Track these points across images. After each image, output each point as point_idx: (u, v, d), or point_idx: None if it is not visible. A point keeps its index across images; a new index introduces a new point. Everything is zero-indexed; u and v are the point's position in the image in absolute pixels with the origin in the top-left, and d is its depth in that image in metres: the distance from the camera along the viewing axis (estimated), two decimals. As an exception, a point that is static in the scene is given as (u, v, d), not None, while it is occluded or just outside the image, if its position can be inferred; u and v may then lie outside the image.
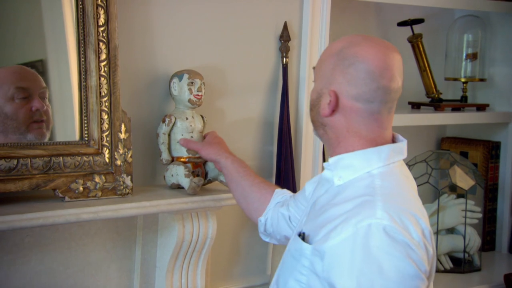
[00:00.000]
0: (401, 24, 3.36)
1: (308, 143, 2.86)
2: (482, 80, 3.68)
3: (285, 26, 2.79)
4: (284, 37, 2.78)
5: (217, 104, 2.68)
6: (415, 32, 3.35)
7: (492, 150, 3.70)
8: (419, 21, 3.36)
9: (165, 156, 2.41)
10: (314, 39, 2.86)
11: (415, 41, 3.33)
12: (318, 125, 1.89)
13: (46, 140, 2.21)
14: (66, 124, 2.32)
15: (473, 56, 3.64)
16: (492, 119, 3.64)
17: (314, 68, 1.96)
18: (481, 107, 3.65)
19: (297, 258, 1.80)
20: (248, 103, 2.78)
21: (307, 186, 2.16)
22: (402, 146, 1.84)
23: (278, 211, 2.19)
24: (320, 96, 1.85)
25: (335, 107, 1.79)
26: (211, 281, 2.61)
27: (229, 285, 2.74)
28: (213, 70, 2.64)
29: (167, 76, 2.50)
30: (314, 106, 1.89)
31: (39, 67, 2.30)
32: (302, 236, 1.81)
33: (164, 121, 2.42)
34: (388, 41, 3.40)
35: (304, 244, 1.78)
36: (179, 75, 2.43)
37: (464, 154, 3.69)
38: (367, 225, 1.63)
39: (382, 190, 1.76)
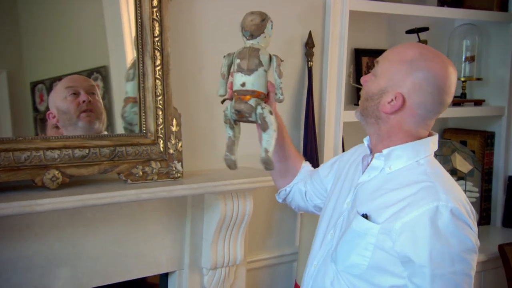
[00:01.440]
0: (409, 32, 3.36)
1: (330, 135, 2.90)
2: (479, 79, 3.67)
3: (310, 35, 2.84)
4: (309, 44, 2.83)
5: None
6: (421, 39, 3.34)
7: (488, 139, 3.70)
8: (424, 29, 3.35)
9: None
10: (334, 45, 2.91)
11: None
12: (371, 115, 1.83)
13: (96, 126, 2.30)
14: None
15: (471, 59, 3.64)
16: (487, 113, 3.66)
17: (377, 61, 1.86)
18: (478, 102, 3.65)
19: (362, 236, 1.76)
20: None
21: (322, 170, 2.17)
22: (436, 138, 1.85)
23: (297, 185, 2.20)
24: (383, 93, 1.80)
25: (398, 108, 1.78)
26: (248, 251, 2.66)
27: (264, 254, 2.80)
28: None
29: (210, 77, 2.54)
30: (371, 98, 1.83)
31: (102, 72, 2.39)
32: (365, 217, 1.78)
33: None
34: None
35: (371, 224, 1.75)
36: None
37: (464, 143, 3.69)
38: (435, 207, 1.65)
39: (435, 177, 1.78)
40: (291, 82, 2.85)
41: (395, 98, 1.76)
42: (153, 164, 2.31)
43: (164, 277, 2.58)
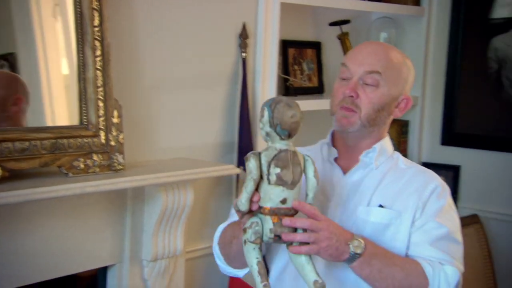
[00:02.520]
0: (332, 24, 3.37)
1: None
2: None
3: (244, 26, 2.79)
4: (243, 35, 2.79)
5: (188, 93, 2.66)
6: (343, 30, 3.36)
7: (403, 127, 3.77)
8: (346, 22, 3.37)
9: None
10: (267, 37, 2.87)
11: (343, 38, 3.34)
12: (379, 123, 1.82)
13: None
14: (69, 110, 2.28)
15: None
16: None
17: (378, 72, 1.77)
18: None
19: (388, 226, 1.78)
20: (214, 91, 2.77)
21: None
22: None
23: None
24: (395, 100, 1.81)
25: (406, 110, 1.88)
26: (187, 241, 2.60)
27: (201, 244, 2.73)
28: (183, 63, 2.63)
29: (150, 68, 2.50)
30: (383, 109, 1.79)
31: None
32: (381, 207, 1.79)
33: None
34: (322, 38, 3.48)
35: (393, 212, 1.78)
36: None
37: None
38: (442, 185, 1.80)
39: (414, 164, 1.92)
40: (226, 73, 2.79)
41: (403, 101, 1.84)
42: (95, 157, 2.20)
43: (102, 270, 2.47)
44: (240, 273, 1.85)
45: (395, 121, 3.70)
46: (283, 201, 1.51)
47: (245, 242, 1.52)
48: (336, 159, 1.85)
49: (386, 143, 1.87)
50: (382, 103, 1.78)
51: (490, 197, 3.62)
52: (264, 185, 1.50)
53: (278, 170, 1.48)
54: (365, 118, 1.76)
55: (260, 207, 1.52)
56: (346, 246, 1.59)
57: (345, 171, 1.82)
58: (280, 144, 1.51)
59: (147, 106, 2.53)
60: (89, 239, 2.35)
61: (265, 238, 1.52)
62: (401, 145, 3.74)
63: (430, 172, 1.86)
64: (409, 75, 1.82)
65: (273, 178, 1.48)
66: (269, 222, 1.51)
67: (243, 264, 1.72)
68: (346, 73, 1.79)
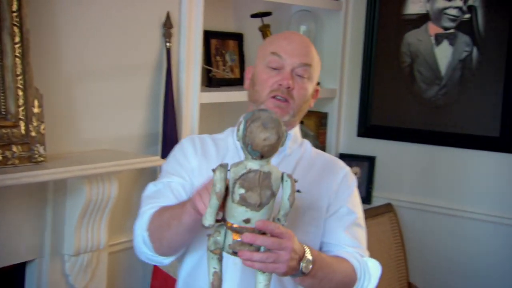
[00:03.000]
0: (254, 16, 3.34)
1: (187, 115, 2.81)
2: None
3: (168, 16, 2.72)
4: (167, 24, 2.72)
5: (111, 83, 2.57)
6: (265, 22, 3.34)
7: (322, 119, 3.79)
8: (267, 14, 3.35)
9: None
10: (191, 27, 2.81)
11: (264, 30, 3.31)
12: (302, 114, 1.86)
13: None
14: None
15: None
16: (321, 95, 3.65)
17: (309, 65, 1.79)
18: None
19: (304, 209, 1.78)
20: (138, 81, 2.69)
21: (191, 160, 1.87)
22: None
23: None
24: (313, 91, 1.85)
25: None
26: (110, 234, 2.51)
27: (124, 237, 2.64)
28: (106, 52, 2.54)
29: (72, 56, 2.40)
30: (308, 100, 1.83)
31: None
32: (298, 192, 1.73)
33: None
34: (243, 29, 3.45)
35: (310, 197, 1.79)
36: None
37: (301, 123, 3.73)
38: (350, 173, 1.88)
39: (322, 153, 1.96)
40: (150, 63, 2.72)
41: (316, 91, 1.87)
42: (14, 148, 2.09)
43: (21, 266, 2.35)
44: (166, 261, 1.76)
45: (314, 113, 3.79)
46: (246, 221, 1.41)
47: (207, 248, 1.46)
48: None
49: (297, 131, 1.89)
50: (309, 94, 1.82)
51: (403, 186, 3.69)
52: (229, 201, 1.41)
53: (242, 191, 1.38)
54: (297, 108, 1.79)
55: (224, 219, 1.44)
56: (297, 265, 1.55)
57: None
58: (251, 163, 1.39)
59: (70, 95, 2.42)
60: (6, 234, 2.22)
61: (224, 250, 1.45)
62: (320, 137, 3.76)
63: (338, 160, 1.92)
64: (319, 67, 1.88)
65: (236, 197, 1.39)
66: (229, 237, 1.43)
67: (175, 249, 1.71)
68: (277, 63, 1.76)
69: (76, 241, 2.34)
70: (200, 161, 1.81)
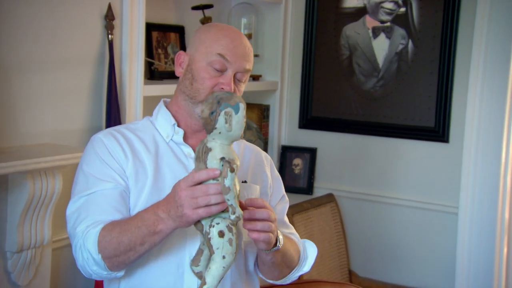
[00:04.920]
0: (195, 8, 3.29)
1: (131, 108, 2.75)
2: (256, 55, 3.66)
3: (109, 7, 2.64)
4: (109, 16, 2.64)
5: (51, 76, 2.49)
6: (206, 15, 3.30)
7: (264, 111, 3.79)
8: (209, 6, 3.31)
9: None
10: (133, 18, 2.74)
11: (205, 22, 3.29)
12: None
13: None
14: None
15: (248, 36, 3.65)
16: (263, 87, 3.73)
17: (249, 71, 1.78)
18: (255, 78, 3.70)
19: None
20: (79, 73, 2.61)
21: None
22: None
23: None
24: None
25: None
26: (54, 229, 2.43)
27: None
28: (45, 44, 2.45)
29: (9, 48, 2.30)
30: None
31: None
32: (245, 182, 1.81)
33: None
34: (185, 21, 3.40)
35: (254, 186, 1.81)
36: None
37: None
38: (270, 158, 1.95)
39: (242, 141, 1.93)
40: (91, 55, 2.65)
41: None
42: (-48, 143, 1.99)
43: (-40, 264, 2.26)
44: (120, 274, 1.67)
45: (256, 106, 3.78)
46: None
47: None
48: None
49: None
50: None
51: (343, 176, 3.72)
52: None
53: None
54: None
55: None
56: (276, 238, 1.62)
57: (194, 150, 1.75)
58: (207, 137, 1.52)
59: (7, 88, 2.33)
60: None
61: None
62: (262, 129, 3.76)
63: (258, 148, 1.93)
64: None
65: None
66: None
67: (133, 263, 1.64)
68: (221, 65, 1.70)
69: (19, 237, 2.26)
70: (135, 165, 1.70)
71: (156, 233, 1.50)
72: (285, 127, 3.87)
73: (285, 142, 3.86)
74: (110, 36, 2.65)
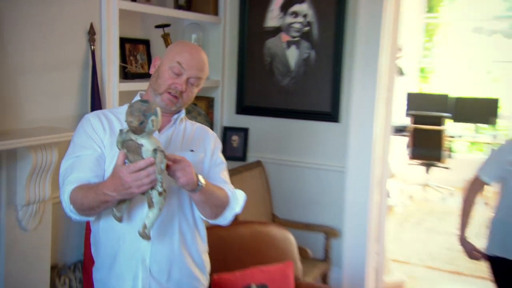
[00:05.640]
0: (157, 26, 3.27)
1: (109, 99, 2.72)
2: None
3: (91, 25, 2.62)
4: (91, 32, 2.61)
5: (49, 75, 2.45)
6: (165, 31, 3.28)
7: (210, 102, 3.78)
8: (167, 25, 3.28)
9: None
10: (110, 34, 2.72)
11: (165, 37, 3.25)
12: (186, 105, 1.80)
13: None
14: None
15: None
16: (209, 84, 3.71)
17: (200, 78, 1.75)
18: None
19: (197, 162, 1.76)
20: (70, 74, 2.58)
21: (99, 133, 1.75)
22: None
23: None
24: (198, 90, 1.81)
25: None
26: (54, 189, 2.38)
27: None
28: (45, 52, 2.42)
29: (15, 54, 2.25)
30: (192, 98, 1.78)
31: None
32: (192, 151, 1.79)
33: None
34: (150, 36, 3.37)
35: (199, 154, 1.79)
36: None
37: (195, 105, 3.67)
38: (216, 135, 1.91)
39: (194, 122, 1.91)
40: (79, 61, 2.61)
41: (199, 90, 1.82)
42: (-27, 126, 1.95)
43: (-18, 215, 2.22)
44: (91, 219, 1.71)
45: (204, 98, 3.77)
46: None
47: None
48: None
49: (183, 113, 1.84)
50: (194, 95, 1.78)
51: (267, 148, 3.73)
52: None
53: (126, 150, 1.50)
54: (183, 103, 1.76)
55: None
56: (196, 179, 1.60)
57: (159, 129, 1.77)
58: (133, 135, 1.50)
59: (13, 85, 2.29)
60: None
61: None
62: (209, 115, 3.74)
63: (207, 128, 1.90)
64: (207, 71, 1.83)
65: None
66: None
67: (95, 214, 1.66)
68: (178, 70, 1.70)
69: (26, 195, 2.24)
70: (110, 138, 1.70)
71: (106, 202, 1.53)
72: (225, 113, 3.84)
73: (226, 124, 3.84)
74: (92, 47, 2.62)
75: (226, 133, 3.81)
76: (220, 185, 1.78)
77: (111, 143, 1.67)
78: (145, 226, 1.52)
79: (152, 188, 1.48)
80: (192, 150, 1.78)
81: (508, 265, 2.43)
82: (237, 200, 1.82)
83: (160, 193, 1.49)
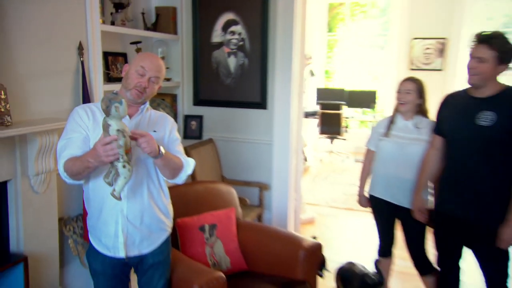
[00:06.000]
0: (132, 43, 3.21)
1: (97, 97, 2.64)
2: (167, 68, 3.61)
3: (80, 43, 2.54)
4: (80, 47, 2.54)
5: (50, 80, 2.37)
6: (138, 46, 3.22)
7: (174, 97, 3.69)
8: (139, 42, 3.23)
9: None
10: (95, 49, 2.64)
11: (138, 51, 3.17)
12: (150, 97, 1.72)
13: None
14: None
15: (162, 58, 3.53)
16: (173, 84, 3.64)
17: (158, 77, 1.69)
18: (168, 79, 3.61)
19: (158, 139, 1.70)
20: (67, 79, 2.50)
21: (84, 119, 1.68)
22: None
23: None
24: (158, 87, 1.74)
25: None
26: (55, 163, 2.33)
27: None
28: (47, 62, 2.33)
29: (22, 62, 2.15)
30: (155, 92, 1.71)
31: None
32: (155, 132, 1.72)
33: None
34: (126, 50, 3.29)
35: (161, 133, 1.71)
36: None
37: (163, 100, 3.63)
38: (173, 120, 1.81)
39: (156, 111, 1.83)
40: (72, 69, 2.53)
41: (159, 87, 1.75)
42: (-8, 119, 1.87)
43: (3, 183, 2.16)
44: (81, 181, 1.67)
45: (169, 95, 3.70)
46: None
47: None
48: None
49: (148, 103, 1.79)
50: (156, 90, 1.74)
51: (217, 129, 3.62)
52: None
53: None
54: (148, 97, 1.72)
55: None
56: (158, 149, 1.58)
57: (130, 116, 1.72)
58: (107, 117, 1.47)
59: (21, 88, 2.20)
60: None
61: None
62: (173, 107, 3.67)
63: (167, 115, 1.83)
64: (164, 75, 1.79)
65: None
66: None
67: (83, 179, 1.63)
68: (142, 72, 1.68)
69: (36, 167, 2.20)
70: (93, 124, 1.65)
71: (88, 168, 1.51)
72: (185, 105, 3.77)
73: (186, 113, 3.77)
74: (81, 58, 2.55)
75: (187, 120, 3.74)
76: (176, 155, 1.75)
77: (94, 127, 1.64)
78: (114, 190, 1.49)
79: (118, 161, 1.45)
80: (155, 131, 1.74)
81: (377, 202, 2.44)
82: (189, 165, 1.77)
83: (123, 166, 1.45)
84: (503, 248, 1.83)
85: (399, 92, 2.28)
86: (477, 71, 1.79)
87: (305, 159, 5.80)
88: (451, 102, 1.98)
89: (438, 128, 2.06)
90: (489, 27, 3.61)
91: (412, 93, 2.23)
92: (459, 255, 2.04)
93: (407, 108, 2.25)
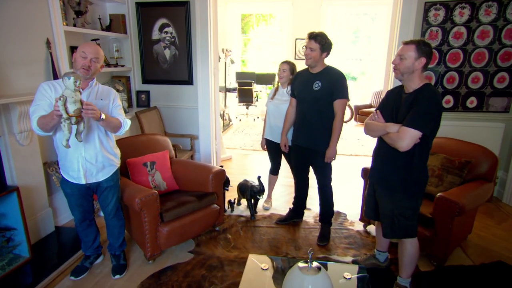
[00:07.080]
0: (92, 40, 2.99)
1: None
2: (121, 58, 3.44)
3: (48, 40, 2.40)
4: (48, 43, 2.40)
5: (27, 67, 2.25)
6: (97, 43, 2.99)
7: (127, 78, 3.51)
8: (98, 39, 3.05)
9: None
10: (60, 43, 2.49)
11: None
12: (95, 74, 1.61)
13: None
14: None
15: (117, 51, 3.30)
16: (126, 69, 3.44)
17: (97, 58, 1.59)
18: (122, 65, 3.42)
19: (104, 105, 1.67)
20: (39, 66, 2.37)
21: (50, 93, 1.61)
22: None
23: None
24: (100, 66, 1.64)
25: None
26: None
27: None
28: (26, 53, 2.23)
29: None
30: (98, 70, 1.62)
31: None
32: (102, 100, 1.64)
33: None
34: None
35: (106, 102, 1.62)
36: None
37: (119, 81, 3.45)
38: (116, 92, 1.74)
39: (103, 85, 1.78)
40: (43, 59, 2.37)
41: (101, 67, 1.69)
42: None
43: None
44: (50, 133, 1.62)
45: (124, 77, 3.59)
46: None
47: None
48: None
49: (95, 79, 1.71)
50: (98, 68, 1.67)
51: (161, 99, 3.41)
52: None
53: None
54: (94, 74, 1.68)
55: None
56: (99, 115, 1.58)
57: (83, 89, 1.67)
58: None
59: (5, 72, 2.11)
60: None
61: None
62: (127, 86, 3.47)
63: (111, 88, 1.73)
64: (103, 56, 1.72)
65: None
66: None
67: (50, 131, 1.60)
68: (84, 55, 1.64)
69: (19, 127, 2.14)
70: (54, 94, 1.63)
71: (52, 120, 1.53)
72: (136, 83, 3.60)
73: (137, 89, 3.62)
74: (50, 51, 2.43)
75: (138, 94, 3.52)
76: (117, 117, 1.73)
77: (54, 97, 1.64)
78: (65, 140, 1.53)
79: (62, 119, 1.45)
80: (102, 99, 1.74)
81: (268, 142, 2.54)
82: (126, 123, 1.74)
83: (63, 124, 1.45)
84: (327, 162, 2.11)
85: (279, 70, 2.42)
86: (310, 56, 2.03)
87: (229, 120, 6.02)
88: (299, 77, 2.19)
89: (293, 93, 2.24)
90: (341, 30, 3.96)
91: (287, 71, 2.36)
92: (307, 170, 2.30)
93: (283, 81, 2.39)
